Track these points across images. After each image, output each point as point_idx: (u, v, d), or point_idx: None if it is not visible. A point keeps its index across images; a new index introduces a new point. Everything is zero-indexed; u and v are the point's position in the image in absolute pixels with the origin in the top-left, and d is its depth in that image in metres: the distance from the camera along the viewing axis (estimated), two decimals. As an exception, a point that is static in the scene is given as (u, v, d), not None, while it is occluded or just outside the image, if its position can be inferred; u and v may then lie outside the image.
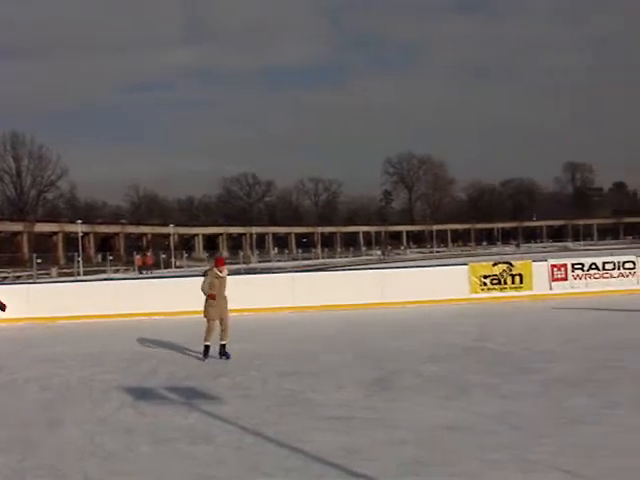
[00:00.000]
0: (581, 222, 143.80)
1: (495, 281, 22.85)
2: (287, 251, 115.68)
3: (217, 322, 13.32)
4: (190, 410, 9.13)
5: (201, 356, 13.29)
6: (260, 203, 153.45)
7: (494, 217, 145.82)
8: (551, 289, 23.00)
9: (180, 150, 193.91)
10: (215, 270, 13.45)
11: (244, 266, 70.25)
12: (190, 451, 7.33)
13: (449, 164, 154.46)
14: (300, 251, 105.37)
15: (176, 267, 79.38)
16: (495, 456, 6.72)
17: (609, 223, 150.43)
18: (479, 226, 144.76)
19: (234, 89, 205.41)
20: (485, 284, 22.81)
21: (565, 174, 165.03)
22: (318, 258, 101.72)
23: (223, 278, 13.51)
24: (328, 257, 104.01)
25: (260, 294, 21.05)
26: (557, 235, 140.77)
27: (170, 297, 21.60)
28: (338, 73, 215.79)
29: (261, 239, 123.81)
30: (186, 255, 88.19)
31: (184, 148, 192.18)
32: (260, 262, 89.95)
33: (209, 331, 13.32)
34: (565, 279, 23.06)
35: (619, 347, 12.85)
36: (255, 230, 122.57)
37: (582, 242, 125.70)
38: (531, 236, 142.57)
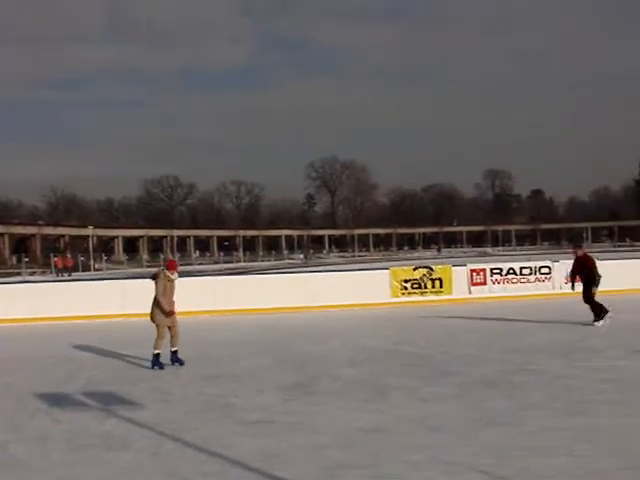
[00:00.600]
0: (500, 228, 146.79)
1: (416, 285, 23.13)
2: (209, 254, 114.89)
3: (167, 328, 12.69)
4: (108, 416, 8.96)
5: (149, 365, 12.55)
6: (182, 205, 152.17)
7: (415, 222, 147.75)
8: (470, 293, 23.42)
9: (100, 150, 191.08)
10: (167, 273, 12.83)
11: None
12: (107, 458, 7.19)
13: (372, 169, 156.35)
14: (222, 254, 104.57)
15: (95, 270, 77.87)
16: (415, 458, 6.79)
17: (527, 229, 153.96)
18: (401, 231, 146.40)
19: (156, 90, 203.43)
20: (406, 288, 23.07)
21: (485, 181, 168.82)
22: (240, 262, 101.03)
23: (174, 281, 12.94)
24: (250, 261, 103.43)
25: (181, 297, 20.74)
26: (477, 240, 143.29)
27: (90, 300, 21.24)
28: (261, 75, 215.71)
29: (182, 242, 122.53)
30: (105, 258, 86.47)
31: (104, 148, 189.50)
32: (181, 265, 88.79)
33: (159, 338, 12.62)
34: (484, 284, 23.51)
35: (536, 350, 13.14)
36: (176, 233, 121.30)
37: (501, 247, 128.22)
38: (452, 241, 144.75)
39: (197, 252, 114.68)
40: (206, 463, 6.86)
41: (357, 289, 22.40)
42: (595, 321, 16.17)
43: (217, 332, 18.01)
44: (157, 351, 12.58)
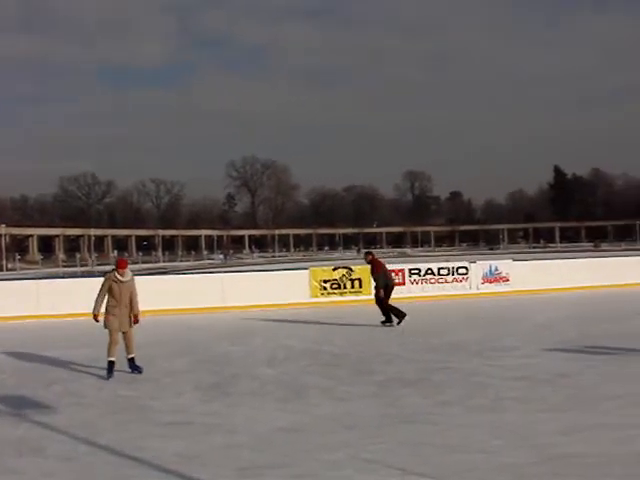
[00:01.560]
0: (419, 229, 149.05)
1: (335, 285, 23.26)
2: (127, 254, 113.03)
3: (120, 334, 11.86)
4: (20, 420, 8.71)
5: (105, 374, 11.63)
6: (99, 204, 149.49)
7: (336, 223, 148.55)
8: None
9: (14, 146, 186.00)
10: (115, 274, 11.71)
11: (81, 269, 68.18)
12: (18, 465, 6.96)
13: (293, 169, 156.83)
14: (140, 254, 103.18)
15: (8, 270, 75.81)
16: (331, 456, 6.82)
17: (445, 230, 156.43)
18: (321, 231, 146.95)
19: (74, 86, 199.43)
20: (325, 288, 23.18)
21: (405, 182, 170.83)
22: (159, 262, 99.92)
23: (125, 282, 11.75)
24: (169, 261, 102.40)
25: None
26: (397, 241, 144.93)
27: (2, 301, 20.63)
28: (183, 73, 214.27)
29: (100, 241, 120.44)
30: (19, 257, 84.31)
31: (18, 144, 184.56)
32: (99, 265, 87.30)
33: (112, 344, 11.69)
34: (403, 284, 23.72)
35: (452, 349, 13.38)
36: (94, 232, 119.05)
37: (420, 248, 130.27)
38: (372, 242, 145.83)
39: (115, 252, 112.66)
40: (122, 467, 6.75)
41: (276, 289, 22.41)
42: (385, 322, 16.74)
43: (134, 333, 17.70)
44: (111, 358, 11.74)
